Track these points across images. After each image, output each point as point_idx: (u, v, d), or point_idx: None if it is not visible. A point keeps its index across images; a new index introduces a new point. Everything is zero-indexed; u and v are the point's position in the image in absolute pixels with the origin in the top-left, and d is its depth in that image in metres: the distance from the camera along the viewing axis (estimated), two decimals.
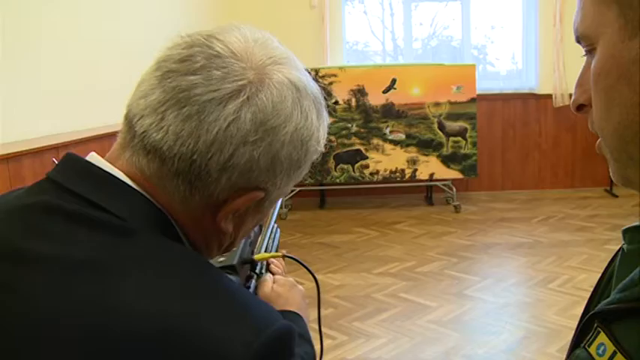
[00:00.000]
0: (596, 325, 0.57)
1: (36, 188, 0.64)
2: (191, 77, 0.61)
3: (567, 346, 0.65)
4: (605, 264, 0.70)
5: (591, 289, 0.70)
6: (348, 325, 3.08)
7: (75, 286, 0.55)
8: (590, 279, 3.55)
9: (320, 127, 0.69)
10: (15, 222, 0.61)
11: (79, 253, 0.57)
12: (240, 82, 0.61)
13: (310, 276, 1.05)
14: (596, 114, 0.56)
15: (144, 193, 0.63)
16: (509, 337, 2.93)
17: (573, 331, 0.63)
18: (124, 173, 0.63)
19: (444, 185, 5.61)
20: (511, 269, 3.95)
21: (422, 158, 5.43)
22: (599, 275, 0.69)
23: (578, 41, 0.57)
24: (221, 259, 0.93)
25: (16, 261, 0.57)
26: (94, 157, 0.65)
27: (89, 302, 0.54)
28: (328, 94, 5.33)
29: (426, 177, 5.49)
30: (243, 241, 0.96)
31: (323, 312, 3.20)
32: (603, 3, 0.52)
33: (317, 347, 0.91)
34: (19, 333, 0.53)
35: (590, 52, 0.56)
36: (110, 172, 0.63)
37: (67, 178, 0.63)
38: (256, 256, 1.01)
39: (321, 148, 0.70)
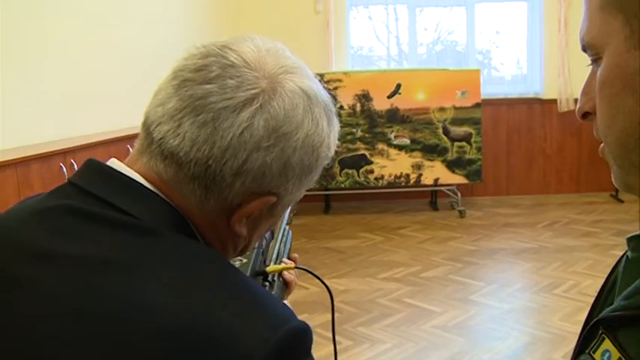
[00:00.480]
0: (600, 331, 0.57)
1: (58, 192, 0.66)
2: (207, 86, 0.63)
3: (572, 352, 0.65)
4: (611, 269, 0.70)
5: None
6: (353, 330, 3.08)
7: (98, 284, 0.56)
8: (595, 285, 3.53)
9: (331, 133, 0.72)
10: (38, 223, 0.63)
11: (102, 252, 0.59)
12: (253, 91, 0.63)
13: (316, 280, 1.05)
14: (601, 121, 0.56)
15: (162, 195, 0.65)
16: (514, 343, 2.92)
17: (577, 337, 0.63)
18: (143, 177, 0.65)
19: (449, 190, 5.60)
20: (516, 274, 3.94)
21: (427, 163, 5.42)
22: (603, 281, 0.69)
23: (584, 50, 0.58)
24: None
25: (41, 260, 0.59)
26: (114, 163, 0.67)
27: (112, 300, 0.55)
28: (333, 99, 5.33)
29: (431, 182, 5.48)
30: (255, 251, 0.97)
31: (327, 317, 3.21)
32: (609, 12, 0.53)
33: (322, 352, 0.91)
34: (44, 329, 0.54)
35: (595, 61, 0.56)
36: (130, 175, 0.65)
37: (89, 182, 0.65)
38: (268, 269, 1.01)
39: (332, 154, 0.72)
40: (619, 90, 0.52)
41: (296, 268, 1.05)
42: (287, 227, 1.13)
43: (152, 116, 0.66)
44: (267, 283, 0.98)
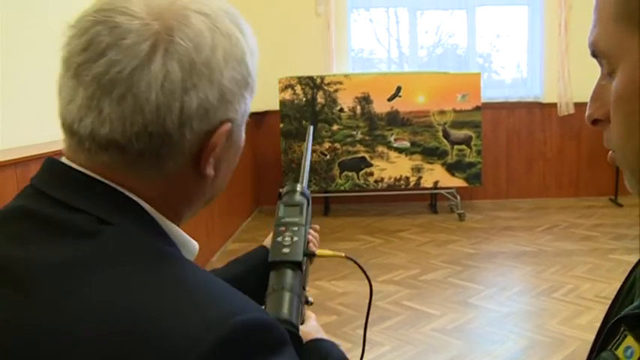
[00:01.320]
0: (622, 329, 0.59)
1: (21, 194, 0.65)
2: (102, 60, 0.59)
3: (571, 356, 0.66)
4: (610, 273, 0.72)
5: (595, 299, 0.72)
6: (352, 332, 3.07)
7: (43, 290, 0.55)
8: (594, 288, 3.54)
9: (246, 38, 0.67)
10: None
11: (49, 256, 0.57)
12: (150, 40, 0.59)
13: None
14: (616, 134, 0.56)
15: (114, 185, 0.62)
16: (513, 346, 2.92)
17: (586, 340, 0.65)
18: (92, 172, 0.63)
19: (449, 193, 5.61)
20: (515, 278, 3.94)
21: (426, 166, 5.43)
22: (620, 283, 0.71)
23: (594, 56, 0.58)
24: (285, 250, 0.94)
25: None
26: (67, 160, 0.65)
27: (52, 304, 0.54)
28: (333, 102, 5.35)
29: (431, 185, 5.49)
30: (303, 229, 0.97)
31: (326, 319, 3.21)
32: (624, 26, 0.53)
33: (344, 351, 0.90)
34: None
35: (610, 73, 0.56)
36: (83, 171, 0.63)
37: (44, 182, 0.64)
38: (318, 252, 1.02)
39: (258, 56, 0.69)
40: (636, 108, 0.53)
41: (346, 257, 1.05)
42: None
43: (68, 116, 0.62)
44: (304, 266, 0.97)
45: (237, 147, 0.71)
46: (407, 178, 5.44)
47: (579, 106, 5.91)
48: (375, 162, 5.42)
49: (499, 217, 5.49)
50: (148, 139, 0.60)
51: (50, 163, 0.66)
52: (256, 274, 0.98)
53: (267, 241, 1.07)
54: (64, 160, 0.65)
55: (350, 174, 5.41)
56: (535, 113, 6.06)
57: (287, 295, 0.87)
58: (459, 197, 5.54)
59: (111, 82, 0.59)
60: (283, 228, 0.98)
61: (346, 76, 5.42)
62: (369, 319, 1.11)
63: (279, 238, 0.97)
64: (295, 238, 0.96)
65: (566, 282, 3.71)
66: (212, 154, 0.65)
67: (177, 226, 0.68)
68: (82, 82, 0.60)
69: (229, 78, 0.63)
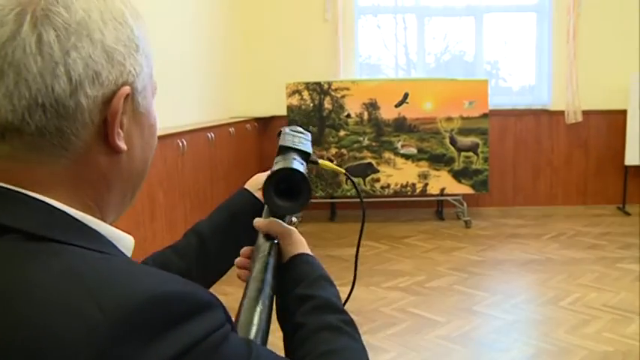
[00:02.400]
0: None
1: None
2: None
3: None
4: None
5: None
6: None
7: None
8: (601, 297, 3.52)
9: (124, 2, 0.64)
10: None
11: None
12: (15, 10, 0.57)
13: None
14: None
15: (17, 189, 0.58)
16: (519, 355, 2.90)
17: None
18: None
19: (455, 200, 5.60)
20: (521, 286, 3.92)
21: (433, 173, 5.42)
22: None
23: None
24: (295, 140, 0.96)
25: None
26: None
27: None
28: (341, 107, 5.35)
29: (437, 192, 5.48)
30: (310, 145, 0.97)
31: None
32: None
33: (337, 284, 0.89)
34: None
35: None
36: None
37: None
38: (321, 162, 1.02)
39: (143, 19, 0.66)
40: None
41: (345, 175, 1.04)
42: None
43: None
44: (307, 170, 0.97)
45: (149, 124, 0.68)
46: (413, 184, 5.43)
47: (587, 114, 5.89)
48: (382, 168, 5.42)
49: (505, 225, 5.47)
50: (42, 113, 0.57)
51: None
52: (242, 220, 0.97)
53: (249, 184, 1.06)
54: None
55: (356, 180, 5.41)
56: (543, 121, 6.05)
57: (258, 307, 0.77)
58: (465, 204, 5.53)
59: None
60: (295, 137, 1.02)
61: (353, 82, 5.42)
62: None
63: (289, 138, 1.01)
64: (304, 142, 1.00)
65: (573, 290, 3.69)
66: (117, 123, 0.61)
67: (104, 220, 0.64)
68: None
69: (112, 38, 0.61)
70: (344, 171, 1.06)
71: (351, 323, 0.81)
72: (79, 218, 0.60)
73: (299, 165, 0.92)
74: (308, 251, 0.90)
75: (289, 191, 0.89)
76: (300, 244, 0.90)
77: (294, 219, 0.96)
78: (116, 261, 0.57)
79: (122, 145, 0.63)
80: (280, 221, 0.90)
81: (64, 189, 0.61)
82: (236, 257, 0.94)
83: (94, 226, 0.62)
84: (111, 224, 0.66)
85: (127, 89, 0.62)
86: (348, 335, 0.79)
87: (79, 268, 0.53)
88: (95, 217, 0.63)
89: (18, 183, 0.58)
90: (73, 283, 0.51)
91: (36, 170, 0.59)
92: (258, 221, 0.91)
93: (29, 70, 0.56)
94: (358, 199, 0.97)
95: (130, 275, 0.54)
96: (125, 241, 0.66)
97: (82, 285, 0.51)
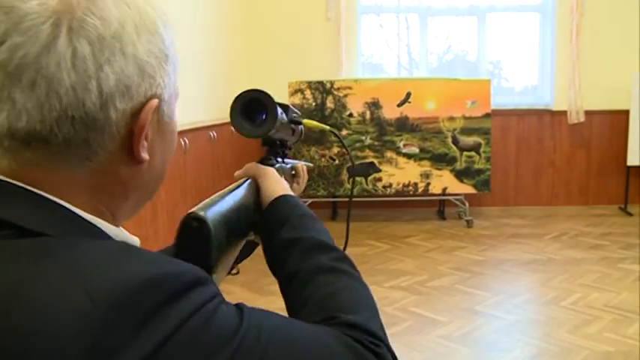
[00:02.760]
0: None
1: None
2: (4, 46, 0.55)
3: None
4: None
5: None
6: None
7: None
8: (602, 297, 3.52)
9: (154, 8, 0.64)
10: None
11: None
12: (52, 18, 0.55)
13: None
14: None
15: (38, 191, 0.58)
16: (520, 355, 2.90)
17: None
18: (14, 179, 0.58)
19: (457, 200, 5.59)
20: (523, 286, 3.92)
21: (435, 172, 5.42)
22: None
23: None
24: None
25: None
26: None
27: None
28: (343, 107, 5.35)
29: (439, 191, 5.48)
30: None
31: None
32: None
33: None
34: None
35: None
36: (8, 181, 0.58)
37: None
38: (305, 121, 1.02)
39: (172, 27, 0.66)
40: None
41: (331, 132, 1.07)
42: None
43: None
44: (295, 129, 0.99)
45: (170, 130, 0.69)
46: (415, 184, 5.43)
47: (590, 115, 5.89)
48: (384, 167, 5.42)
49: (507, 225, 5.46)
50: (70, 125, 0.57)
51: None
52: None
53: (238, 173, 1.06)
54: None
55: (358, 179, 5.41)
56: (545, 121, 6.04)
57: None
58: (467, 204, 5.52)
59: (18, 68, 0.55)
60: None
61: (356, 81, 5.42)
62: None
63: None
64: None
65: (575, 290, 3.69)
66: (143, 135, 0.62)
67: (115, 225, 0.64)
68: None
69: (145, 51, 0.60)
70: (329, 128, 1.07)
71: (344, 259, 0.82)
72: (89, 219, 0.61)
73: (276, 105, 0.90)
74: (288, 191, 0.92)
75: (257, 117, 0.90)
76: (278, 183, 0.93)
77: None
78: (106, 246, 0.57)
79: (145, 155, 0.63)
80: (256, 163, 0.95)
81: (80, 194, 0.61)
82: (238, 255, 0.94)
83: (103, 228, 0.62)
84: (117, 226, 0.66)
85: (155, 102, 0.62)
86: (343, 273, 0.80)
87: (70, 260, 0.53)
88: (105, 219, 0.63)
89: (34, 184, 0.58)
90: (64, 276, 0.51)
91: (55, 175, 0.59)
92: (236, 172, 0.95)
93: (61, 84, 0.55)
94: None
95: (120, 261, 0.54)
96: (132, 242, 0.66)
97: (73, 277, 0.51)
